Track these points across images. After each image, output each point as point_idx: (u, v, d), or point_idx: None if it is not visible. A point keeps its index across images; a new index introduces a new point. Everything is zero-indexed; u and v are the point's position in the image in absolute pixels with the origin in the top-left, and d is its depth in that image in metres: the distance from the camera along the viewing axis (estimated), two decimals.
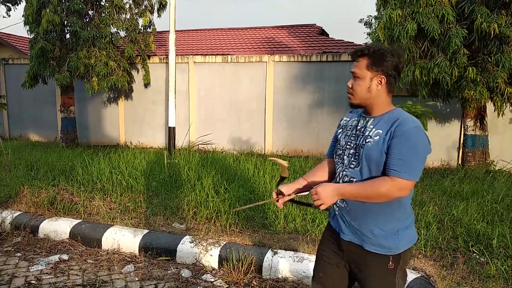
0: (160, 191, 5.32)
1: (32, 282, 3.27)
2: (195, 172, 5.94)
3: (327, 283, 1.94)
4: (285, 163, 1.93)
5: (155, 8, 10.38)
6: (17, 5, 16.28)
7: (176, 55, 9.42)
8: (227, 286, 3.25)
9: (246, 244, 3.64)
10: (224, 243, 3.68)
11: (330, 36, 12.88)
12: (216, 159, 7.08)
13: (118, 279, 3.37)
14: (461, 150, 8.12)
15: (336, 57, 9.59)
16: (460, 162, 8.11)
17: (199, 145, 10.29)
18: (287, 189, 1.95)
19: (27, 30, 9.64)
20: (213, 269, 3.53)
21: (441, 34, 6.54)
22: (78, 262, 3.67)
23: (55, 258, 3.71)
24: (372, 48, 1.74)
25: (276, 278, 3.33)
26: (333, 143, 1.99)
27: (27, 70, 9.84)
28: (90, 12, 10.08)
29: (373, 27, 23.69)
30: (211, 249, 3.61)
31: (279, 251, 3.50)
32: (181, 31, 13.72)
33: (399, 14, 6.74)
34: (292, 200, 1.96)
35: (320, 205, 1.74)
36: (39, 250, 3.90)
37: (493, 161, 7.50)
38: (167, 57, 10.13)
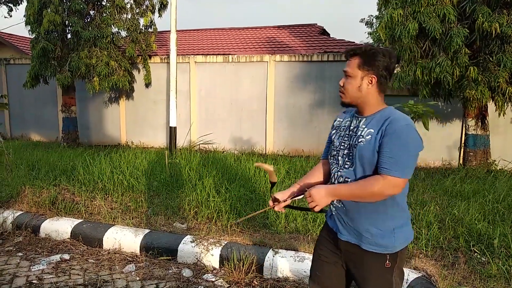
0: (161, 190, 5.32)
1: (34, 281, 3.28)
2: (196, 172, 5.94)
3: (325, 282, 1.94)
4: (271, 167, 1.95)
5: (156, 8, 10.40)
6: (19, 5, 16.32)
7: (177, 55, 9.43)
8: (228, 285, 3.25)
9: (247, 244, 3.64)
10: (225, 242, 3.68)
11: (331, 36, 12.87)
12: (217, 159, 7.08)
13: (119, 278, 3.37)
14: (462, 149, 8.10)
15: (337, 57, 9.59)
16: (461, 161, 8.10)
17: (200, 145, 10.30)
18: (282, 195, 1.95)
19: (29, 30, 9.67)
20: (214, 268, 3.53)
21: (443, 34, 6.54)
22: (79, 261, 3.68)
23: (56, 257, 3.71)
24: (364, 48, 1.75)
25: (277, 278, 3.33)
26: (328, 144, 2.01)
27: (29, 70, 9.86)
28: (91, 12, 10.10)
29: (374, 26, 23.66)
30: (212, 248, 3.61)
31: (280, 250, 3.50)
32: (182, 31, 13.73)
33: (400, 13, 6.73)
34: (288, 206, 1.97)
35: (315, 207, 1.76)
36: (41, 250, 3.91)
37: (494, 160, 7.49)
38: (168, 57, 10.15)
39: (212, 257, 3.57)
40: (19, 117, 12.35)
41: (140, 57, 10.64)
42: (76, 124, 10.76)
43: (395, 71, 13.38)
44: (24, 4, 14.60)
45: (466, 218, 4.12)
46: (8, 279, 3.30)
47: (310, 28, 12.93)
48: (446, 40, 6.51)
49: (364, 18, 24.70)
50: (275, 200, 1.95)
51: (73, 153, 8.18)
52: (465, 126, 7.73)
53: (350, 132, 1.82)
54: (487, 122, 7.48)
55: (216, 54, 10.69)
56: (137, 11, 10.24)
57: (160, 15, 10.55)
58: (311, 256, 3.32)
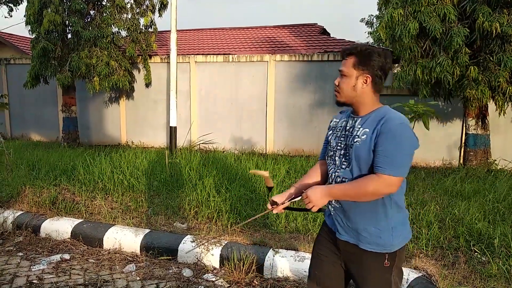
0: (161, 190, 5.32)
1: (34, 281, 3.28)
2: (196, 172, 5.94)
3: (324, 281, 1.95)
4: (266, 173, 1.97)
5: (157, 7, 10.39)
6: (19, 5, 16.33)
7: (178, 54, 9.43)
8: (228, 285, 3.25)
9: (247, 244, 3.65)
10: (225, 242, 3.68)
11: (331, 36, 12.87)
12: (217, 159, 7.08)
13: (119, 278, 3.37)
14: (462, 149, 8.10)
15: (338, 56, 9.58)
16: (461, 161, 8.10)
17: (200, 144, 10.30)
18: (280, 198, 1.97)
19: (29, 30, 9.67)
20: (215, 268, 3.53)
21: (443, 33, 6.53)
22: (79, 261, 3.68)
23: (56, 257, 3.72)
24: (360, 47, 1.76)
25: (277, 278, 3.33)
26: (325, 145, 2.02)
27: (29, 70, 9.86)
28: (92, 12, 10.10)
29: (375, 26, 23.65)
30: (212, 248, 3.61)
31: (280, 250, 3.50)
32: (183, 30, 13.73)
33: (400, 13, 6.73)
34: (287, 208, 1.99)
35: (312, 207, 1.78)
36: (41, 250, 3.91)
37: (495, 160, 7.49)
38: (169, 56, 10.15)
39: (212, 257, 3.57)
40: (20, 117, 12.36)
41: (140, 57, 10.64)
42: (76, 124, 10.76)
43: (395, 71, 13.36)
44: (24, 4, 14.62)
45: (467, 217, 4.12)
46: (8, 279, 3.30)
47: (310, 28, 12.93)
48: (446, 40, 6.51)
49: (365, 18, 24.69)
50: (273, 203, 1.96)
51: (74, 153, 8.18)
52: (465, 126, 7.72)
53: (346, 132, 1.82)
54: (488, 121, 7.48)
55: (216, 54, 10.69)
56: (137, 11, 10.24)
57: (160, 15, 10.54)
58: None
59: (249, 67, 10.32)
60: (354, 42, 10.78)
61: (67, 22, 9.63)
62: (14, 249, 3.94)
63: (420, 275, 3.08)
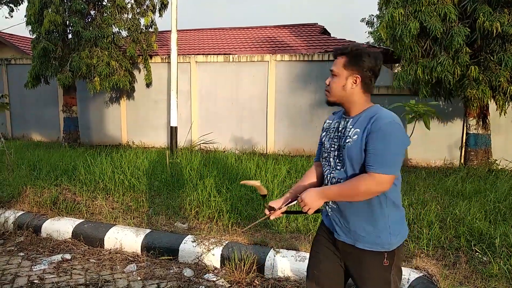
0: (162, 190, 5.32)
1: (35, 281, 3.28)
2: (197, 172, 5.94)
3: (323, 281, 1.95)
4: (257, 183, 1.99)
5: (157, 7, 10.39)
6: (19, 5, 16.34)
7: (178, 54, 9.43)
8: (229, 285, 3.25)
9: (248, 244, 3.65)
10: (226, 242, 3.68)
11: (332, 36, 12.86)
12: (218, 159, 7.08)
13: (120, 278, 3.37)
14: (463, 149, 8.09)
15: None
16: (462, 161, 8.09)
17: (201, 144, 10.30)
18: (277, 203, 1.99)
19: (29, 30, 9.67)
20: (215, 268, 3.54)
21: (444, 33, 6.53)
22: (80, 261, 3.68)
23: (57, 257, 3.72)
24: (350, 48, 1.78)
25: (278, 278, 3.34)
26: (319, 146, 2.03)
27: (29, 70, 9.87)
28: (92, 12, 10.10)
29: (375, 26, 23.65)
30: (213, 248, 3.61)
31: (281, 250, 3.50)
32: (183, 30, 13.72)
33: (401, 12, 6.72)
34: (285, 212, 2.01)
35: (308, 210, 1.80)
36: (42, 250, 3.91)
37: (496, 160, 7.48)
38: (169, 56, 10.14)
39: (213, 257, 3.57)
40: (20, 117, 12.36)
41: (141, 57, 10.64)
42: (77, 124, 10.76)
43: (395, 71, 13.32)
44: (25, 4, 14.61)
45: (467, 217, 4.12)
46: (9, 279, 3.31)
47: (311, 28, 12.92)
48: (447, 39, 6.50)
49: (365, 18, 24.72)
50: (271, 209, 1.98)
51: (74, 153, 8.19)
52: (466, 126, 7.71)
53: (339, 133, 1.84)
54: (488, 121, 7.47)
55: (217, 54, 10.69)
56: (138, 11, 10.23)
57: (160, 15, 10.54)
58: None
59: (250, 67, 10.31)
60: (354, 42, 10.78)
61: (67, 22, 9.64)
62: (15, 249, 3.94)
63: (421, 275, 3.08)
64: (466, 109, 7.51)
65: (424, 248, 3.56)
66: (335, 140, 1.85)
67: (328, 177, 1.86)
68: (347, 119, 1.83)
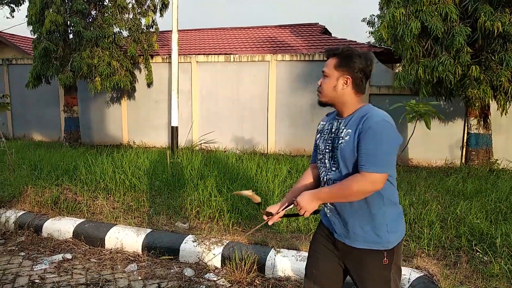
0: (163, 190, 5.33)
1: (36, 281, 3.29)
2: (198, 172, 5.94)
3: (321, 280, 1.95)
4: (249, 192, 2.02)
5: (158, 7, 10.40)
6: (20, 5, 16.37)
7: (179, 54, 9.44)
8: (230, 285, 3.25)
9: (248, 243, 3.65)
10: (227, 242, 3.68)
11: (332, 35, 12.85)
12: (219, 159, 7.09)
13: (121, 278, 3.38)
14: (464, 148, 8.08)
15: None
16: (463, 161, 8.08)
17: (202, 144, 10.30)
18: (274, 208, 2.00)
19: (31, 30, 9.70)
20: (216, 268, 3.54)
21: (445, 33, 6.52)
22: (81, 261, 3.69)
23: (58, 257, 3.72)
24: (341, 49, 1.79)
25: (279, 277, 3.33)
26: (315, 148, 2.04)
27: (31, 70, 9.88)
28: (93, 12, 10.12)
29: (376, 26, 23.63)
30: (214, 248, 3.61)
31: (281, 250, 3.50)
32: (184, 30, 13.73)
33: (402, 12, 6.71)
34: (283, 216, 2.03)
35: (304, 213, 1.82)
36: (43, 249, 3.92)
37: (497, 160, 7.47)
38: (170, 56, 10.14)
39: (214, 257, 3.57)
40: (21, 117, 12.38)
41: (141, 57, 10.65)
42: (78, 124, 10.77)
43: (396, 70, 13.31)
44: (26, 4, 14.64)
45: (468, 217, 4.11)
46: (10, 279, 3.31)
47: (312, 28, 12.91)
48: (448, 39, 6.50)
49: (366, 18, 24.69)
50: (269, 214, 1.99)
51: (75, 153, 8.20)
52: (467, 125, 7.71)
53: (333, 135, 1.85)
54: (490, 121, 7.47)
55: (218, 54, 10.69)
56: (139, 11, 10.24)
57: (161, 15, 10.55)
58: None
59: (251, 67, 10.32)
60: (355, 41, 10.78)
61: (68, 22, 9.65)
62: (16, 248, 3.95)
63: (422, 274, 3.08)
64: (467, 109, 7.51)
65: (425, 248, 3.56)
66: (329, 141, 1.86)
67: (325, 179, 1.87)
68: (339, 120, 1.84)
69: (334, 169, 1.82)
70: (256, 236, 3.80)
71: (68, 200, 4.81)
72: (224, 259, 3.52)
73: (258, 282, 3.27)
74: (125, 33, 10.40)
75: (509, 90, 6.38)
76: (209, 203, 4.59)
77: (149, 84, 11.08)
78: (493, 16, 6.11)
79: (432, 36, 6.62)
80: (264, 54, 10.25)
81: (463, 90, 6.72)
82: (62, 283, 3.25)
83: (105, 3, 10.14)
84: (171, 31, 8.52)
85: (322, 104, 1.89)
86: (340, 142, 1.76)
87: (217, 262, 3.55)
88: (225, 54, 10.64)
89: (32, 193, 4.94)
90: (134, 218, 4.39)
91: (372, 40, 24.10)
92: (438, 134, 8.73)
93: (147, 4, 10.28)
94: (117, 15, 9.83)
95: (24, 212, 4.54)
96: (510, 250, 3.43)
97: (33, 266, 3.55)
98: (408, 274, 3.06)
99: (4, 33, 13.41)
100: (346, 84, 1.78)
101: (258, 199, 2.05)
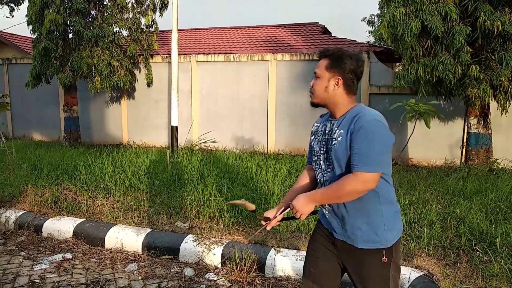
0: (163, 190, 5.33)
1: (36, 281, 3.29)
2: (198, 171, 5.94)
3: (320, 279, 1.96)
4: (242, 202, 2.06)
5: (158, 7, 10.39)
6: (20, 5, 16.35)
7: (179, 54, 9.43)
8: (230, 285, 3.25)
9: (249, 243, 3.65)
10: (227, 241, 3.68)
11: (332, 35, 12.85)
12: (219, 158, 7.08)
13: (121, 277, 3.38)
14: (464, 148, 8.08)
15: None
16: (463, 160, 8.08)
17: (202, 144, 10.30)
18: (272, 213, 2.02)
19: (30, 30, 9.68)
20: (216, 267, 3.54)
21: (445, 32, 6.52)
22: (81, 261, 3.69)
23: (58, 257, 3.72)
24: (332, 50, 1.81)
25: (279, 277, 3.34)
26: (310, 150, 2.05)
27: (30, 70, 9.88)
28: (93, 12, 10.11)
29: (376, 25, 23.63)
30: (214, 247, 3.61)
31: (281, 249, 3.50)
32: (184, 30, 13.72)
33: (402, 12, 6.71)
34: (281, 219, 2.05)
35: (300, 216, 1.83)
36: (43, 249, 3.92)
37: (497, 159, 7.47)
38: (170, 56, 10.13)
39: (214, 256, 3.57)
40: (21, 117, 12.37)
41: (141, 56, 10.65)
42: (78, 123, 10.77)
43: (396, 70, 13.31)
44: (26, 4, 14.61)
45: (468, 217, 4.11)
46: (10, 278, 3.31)
47: (312, 27, 12.91)
48: (448, 38, 6.49)
49: (366, 17, 24.70)
50: (266, 219, 2.01)
51: (75, 152, 8.20)
52: (467, 125, 7.71)
53: (326, 136, 1.86)
54: (489, 120, 7.47)
55: (218, 53, 10.69)
56: (139, 10, 10.24)
57: (161, 15, 10.54)
58: None
59: (250, 66, 10.31)
60: (355, 41, 10.77)
61: (68, 21, 9.65)
62: (16, 248, 3.95)
63: (421, 274, 3.08)
64: (467, 108, 7.51)
65: (425, 248, 3.56)
66: (323, 143, 1.87)
67: (322, 180, 1.89)
68: (332, 122, 1.85)
69: (329, 170, 1.82)
70: (256, 236, 3.81)
71: (68, 199, 4.81)
72: (224, 258, 3.52)
73: (258, 282, 3.27)
74: (124, 33, 10.39)
75: (509, 90, 6.37)
76: (209, 202, 4.59)
77: (149, 84, 11.07)
78: (493, 15, 6.11)
79: (432, 35, 6.62)
80: (264, 54, 10.25)
81: (463, 89, 6.72)
82: (62, 283, 3.25)
83: (105, 3, 10.14)
84: (171, 30, 8.52)
85: (314, 105, 1.90)
86: (333, 143, 1.77)
87: (217, 261, 3.55)
88: (225, 53, 10.63)
89: (32, 192, 4.94)
90: (134, 218, 4.39)
91: (372, 39, 24.10)
92: (438, 134, 8.73)
93: (147, 3, 10.27)
94: (116, 14, 9.82)
95: (24, 211, 4.54)
96: (510, 249, 3.44)
97: (33, 266, 3.55)
98: (408, 273, 3.06)
99: (4, 32, 13.41)
100: (337, 85, 1.79)
101: (252, 207, 2.08)
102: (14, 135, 12.43)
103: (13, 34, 14.15)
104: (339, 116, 1.83)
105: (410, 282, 2.99)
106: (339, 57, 1.78)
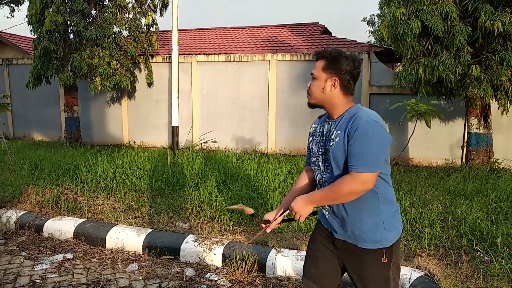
0: (163, 190, 5.33)
1: (37, 281, 3.29)
2: (198, 171, 5.95)
3: (320, 279, 1.96)
4: (240, 206, 2.09)
5: (158, 7, 10.40)
6: (20, 5, 16.37)
7: (179, 54, 9.43)
8: (230, 285, 3.25)
9: (249, 243, 3.65)
10: (228, 242, 3.68)
11: (333, 35, 12.85)
12: (219, 158, 7.09)
13: (122, 278, 3.38)
14: (465, 148, 8.08)
15: None
16: (464, 160, 8.08)
17: (202, 144, 10.30)
18: (271, 215, 2.02)
19: (31, 30, 9.70)
20: (217, 268, 3.54)
21: (445, 32, 6.52)
22: (82, 261, 3.69)
23: (59, 257, 3.73)
24: (329, 51, 1.81)
25: (280, 277, 3.34)
26: (308, 151, 2.05)
27: (31, 70, 9.88)
28: (93, 12, 10.12)
29: (376, 25, 23.63)
30: (214, 248, 3.61)
31: (282, 250, 3.50)
32: (184, 30, 13.72)
33: (403, 12, 6.71)
34: (281, 221, 2.06)
35: (299, 217, 1.84)
36: (44, 249, 3.92)
37: (497, 159, 7.47)
38: (170, 56, 10.13)
39: (214, 256, 3.57)
40: (22, 117, 12.38)
41: (142, 56, 10.65)
42: (78, 123, 10.78)
43: (397, 70, 13.30)
44: (26, 4, 14.63)
45: (469, 217, 4.11)
46: (11, 278, 3.32)
47: (312, 27, 12.91)
48: (448, 39, 6.49)
49: (366, 17, 24.69)
50: (266, 222, 2.01)
51: (76, 152, 8.20)
52: (467, 125, 7.70)
53: (324, 137, 1.86)
54: (490, 120, 7.46)
55: (218, 54, 10.69)
56: (139, 10, 10.24)
57: (161, 15, 10.54)
58: None
59: (251, 66, 10.31)
60: (355, 41, 10.77)
61: (68, 22, 9.65)
62: (17, 248, 3.95)
63: (422, 274, 3.08)
64: (468, 108, 7.50)
65: (425, 248, 3.56)
66: (322, 144, 1.87)
67: (321, 182, 1.89)
68: (330, 123, 1.86)
69: (328, 171, 1.83)
70: (256, 238, 3.80)
71: (69, 200, 4.81)
72: (225, 258, 3.52)
73: (258, 282, 3.27)
74: (125, 33, 10.39)
75: (510, 90, 6.37)
76: (210, 203, 4.60)
77: (150, 84, 11.08)
78: (493, 15, 6.11)
79: (432, 35, 6.62)
80: (264, 54, 10.25)
81: (463, 89, 6.72)
82: (63, 283, 3.25)
83: (105, 3, 10.14)
84: (171, 30, 8.52)
85: (311, 106, 1.92)
86: (331, 144, 1.78)
87: (217, 261, 3.56)
88: (225, 53, 10.64)
89: (32, 193, 4.94)
90: (135, 218, 4.39)
91: (372, 39, 24.09)
92: (439, 134, 8.73)
93: (147, 3, 10.28)
94: (117, 14, 9.82)
95: (25, 212, 4.54)
96: (511, 249, 3.43)
97: (34, 266, 3.55)
98: (409, 273, 3.06)
99: (4, 33, 13.42)
100: (334, 86, 1.80)
101: (250, 211, 2.09)
102: (15, 135, 12.44)
103: (13, 34, 14.16)
104: (336, 117, 1.83)
105: (411, 282, 2.99)
106: (336, 58, 1.78)
